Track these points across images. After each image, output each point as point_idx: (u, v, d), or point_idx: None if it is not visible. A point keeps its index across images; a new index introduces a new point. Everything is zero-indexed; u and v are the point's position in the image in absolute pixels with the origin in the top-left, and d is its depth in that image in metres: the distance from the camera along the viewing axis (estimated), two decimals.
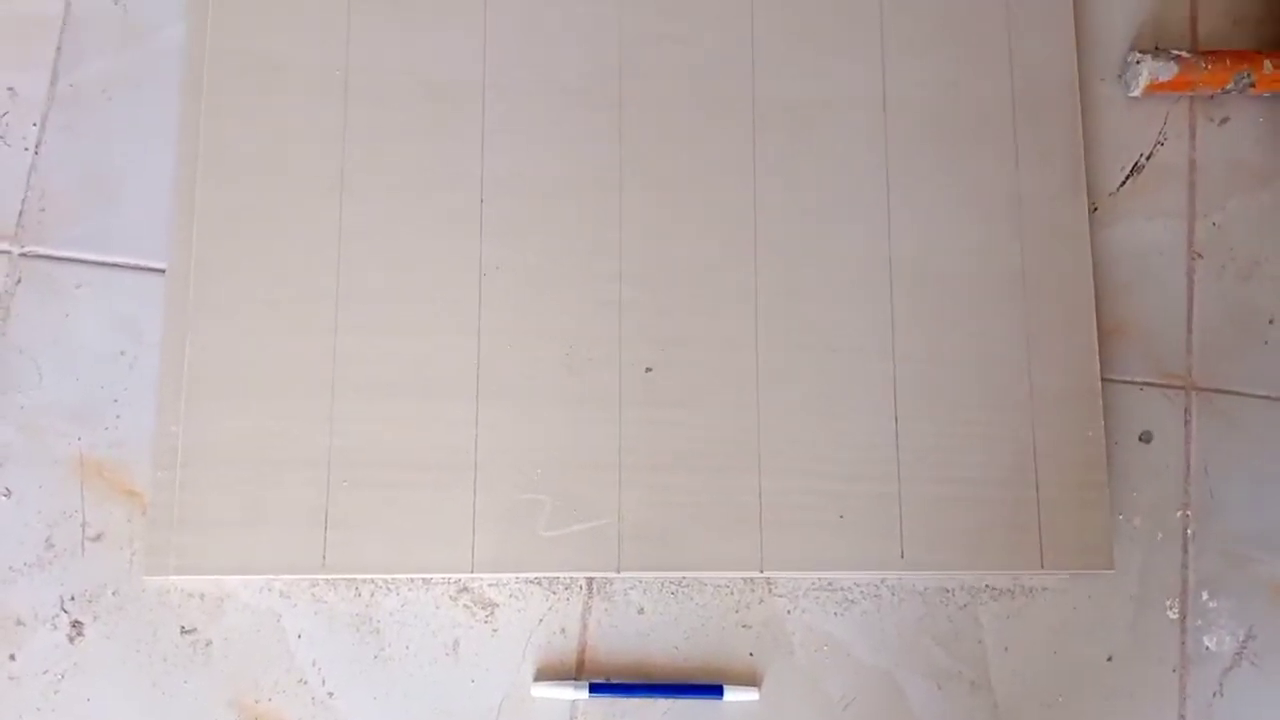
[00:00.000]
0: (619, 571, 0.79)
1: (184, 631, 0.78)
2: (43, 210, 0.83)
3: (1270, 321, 0.89)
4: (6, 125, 0.84)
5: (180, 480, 0.78)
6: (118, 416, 0.81)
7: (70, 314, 0.82)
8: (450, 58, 0.85)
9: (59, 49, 0.86)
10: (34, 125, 0.84)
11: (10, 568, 0.78)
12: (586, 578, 0.81)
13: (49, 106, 0.85)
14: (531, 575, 0.80)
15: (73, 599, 0.78)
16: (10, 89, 0.85)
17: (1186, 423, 0.87)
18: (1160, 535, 0.86)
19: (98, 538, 0.79)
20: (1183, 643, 0.84)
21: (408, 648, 0.80)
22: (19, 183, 0.83)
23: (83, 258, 0.83)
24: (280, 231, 0.81)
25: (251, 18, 0.84)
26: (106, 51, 0.86)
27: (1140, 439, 0.87)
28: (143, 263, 0.83)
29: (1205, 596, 0.85)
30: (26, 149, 0.84)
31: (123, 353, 0.82)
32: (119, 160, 0.84)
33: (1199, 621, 0.85)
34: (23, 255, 0.82)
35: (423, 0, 0.85)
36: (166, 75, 0.85)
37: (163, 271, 0.82)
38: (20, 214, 0.83)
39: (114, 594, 0.78)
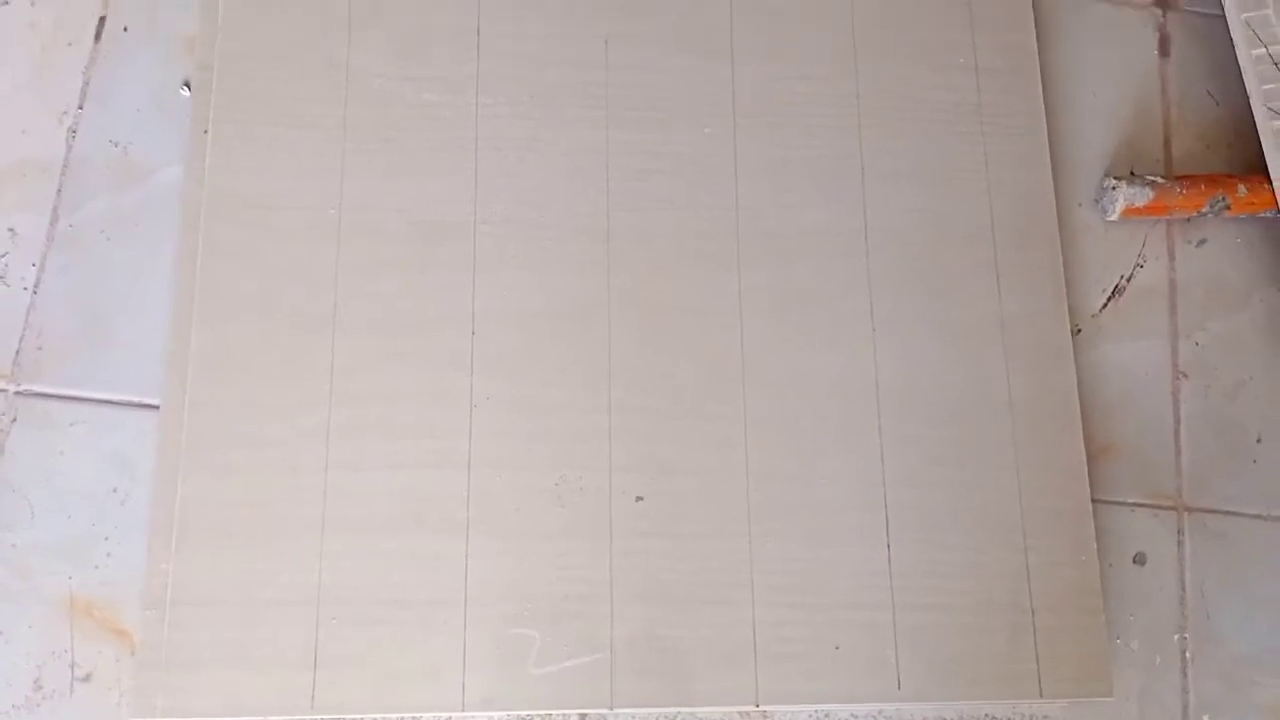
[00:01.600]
0: (612, 708, 0.78)
1: None
2: (40, 349, 0.84)
3: (1258, 440, 0.90)
4: (6, 266, 0.86)
5: (169, 620, 0.77)
6: (108, 555, 0.81)
7: (64, 451, 0.82)
8: (442, 196, 0.87)
9: (59, 191, 0.88)
10: (33, 265, 0.86)
11: None
12: (579, 715, 0.80)
13: (48, 247, 0.86)
14: (524, 713, 0.79)
15: None
16: (11, 230, 0.86)
17: (1180, 543, 0.88)
18: (1159, 659, 0.85)
19: (87, 678, 0.78)
20: None
21: None
22: (17, 322, 0.85)
23: (78, 395, 0.83)
24: (273, 368, 0.82)
25: (247, 160, 0.86)
26: (106, 193, 0.88)
27: (1134, 560, 0.87)
28: (137, 399, 0.84)
29: None
30: (25, 288, 0.85)
31: (115, 489, 0.82)
32: (115, 298, 0.86)
33: None
34: (18, 393, 0.83)
35: (414, 141, 0.87)
36: (163, 216, 0.87)
37: (157, 408, 0.83)
38: (18, 352, 0.84)
39: None
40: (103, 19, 0.92)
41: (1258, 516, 0.89)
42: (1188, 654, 0.85)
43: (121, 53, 0.91)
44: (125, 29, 0.92)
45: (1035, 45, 0.94)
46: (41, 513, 0.81)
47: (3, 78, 0.90)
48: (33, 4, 0.92)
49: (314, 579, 0.78)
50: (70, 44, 0.91)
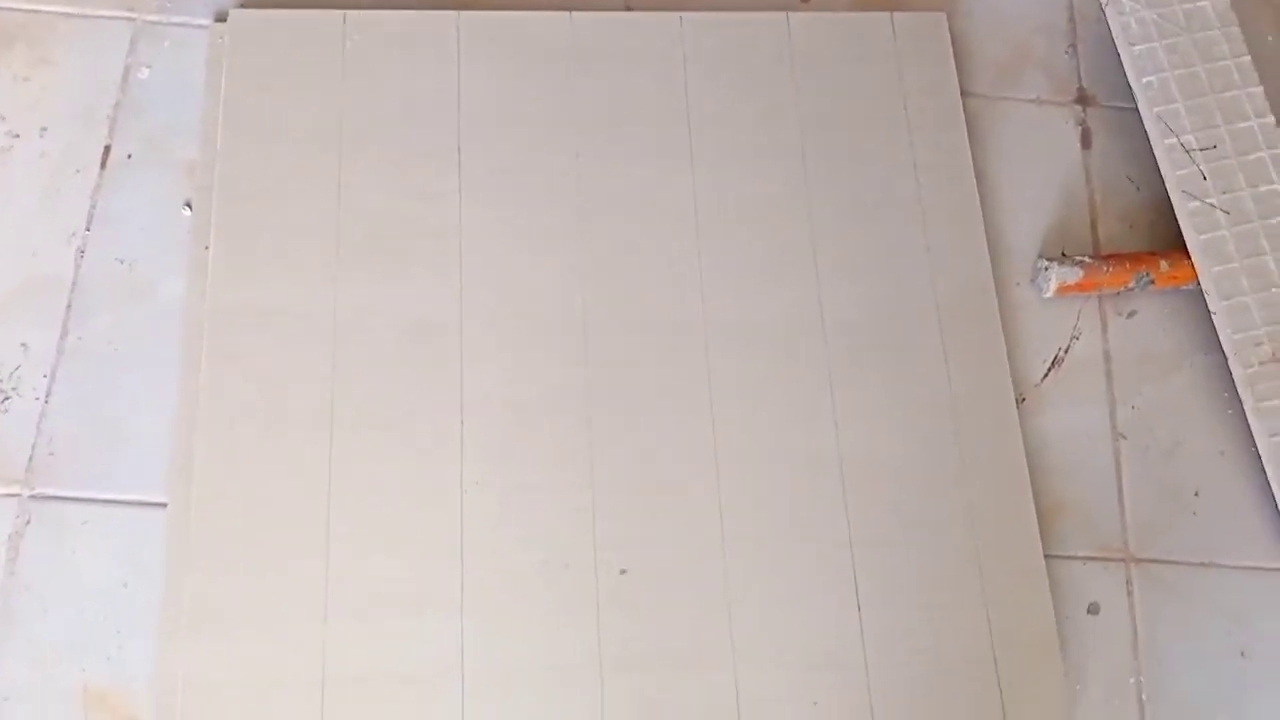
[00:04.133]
0: None
1: None
2: (51, 454, 0.89)
3: (1195, 494, 0.97)
4: (19, 378, 0.91)
5: (181, 706, 0.81)
6: (120, 646, 0.85)
7: (76, 549, 0.87)
8: (430, 298, 0.93)
9: (69, 307, 0.94)
10: (44, 376, 0.91)
11: None
12: None
13: (58, 359, 0.92)
14: None
15: None
16: (23, 344, 0.92)
17: (1130, 593, 0.93)
18: (1117, 702, 0.90)
19: None
20: None
21: None
22: (30, 430, 0.90)
23: (89, 496, 0.88)
24: (275, 465, 0.87)
25: (246, 272, 0.93)
26: (112, 307, 0.94)
27: (1089, 611, 0.93)
28: (145, 499, 0.89)
29: None
30: (37, 398, 0.91)
31: (125, 585, 0.86)
32: (123, 406, 0.91)
33: None
34: (32, 497, 0.88)
35: (402, 249, 0.95)
36: (167, 327, 0.93)
37: (164, 506, 0.88)
38: (30, 459, 0.89)
39: None
40: (108, 147, 0.99)
41: (1200, 564, 0.95)
42: (1144, 697, 0.90)
43: (126, 178, 0.98)
44: (129, 156, 0.99)
45: (967, 143, 1.03)
46: (55, 608, 0.85)
47: (15, 204, 0.96)
48: (41, 136, 0.99)
49: (318, 661, 0.83)
50: (78, 171, 0.98)
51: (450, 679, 0.83)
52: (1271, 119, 0.99)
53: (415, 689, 0.83)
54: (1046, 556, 0.92)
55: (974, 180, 1.02)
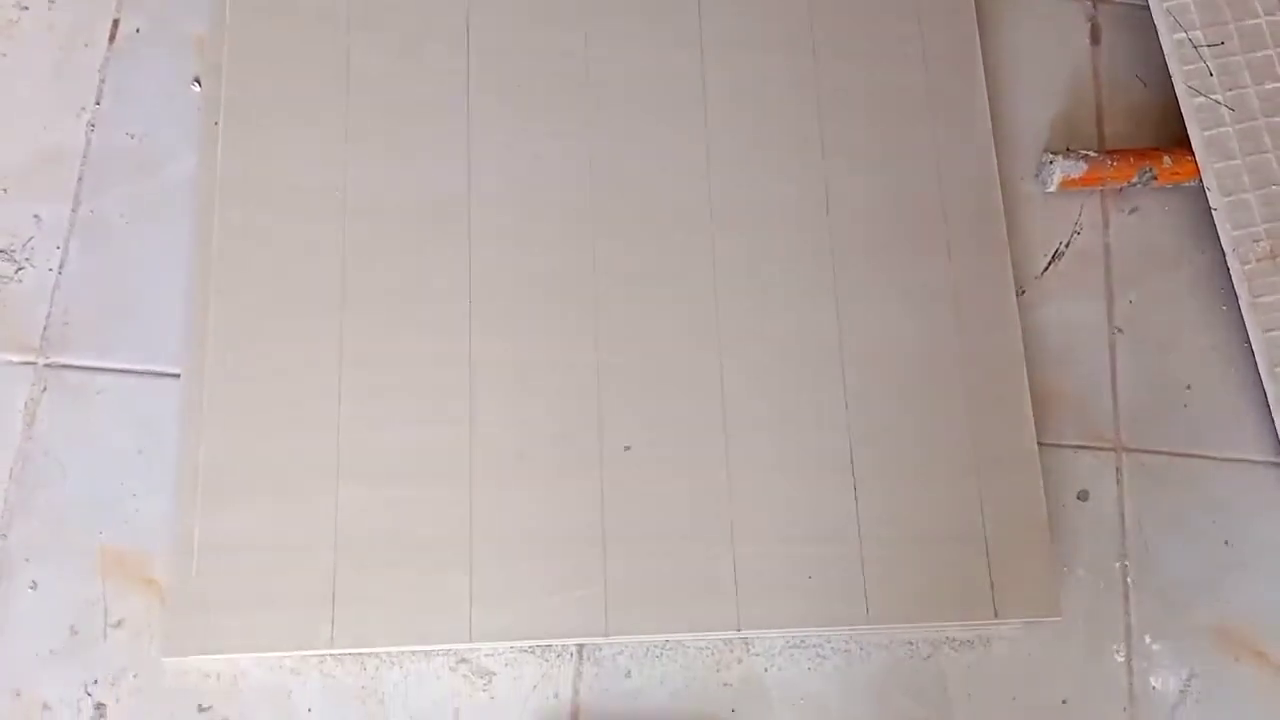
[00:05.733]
0: (607, 636, 0.85)
1: (201, 710, 0.84)
2: (66, 324, 0.91)
3: (1188, 388, 0.99)
4: (33, 249, 0.92)
5: (196, 567, 0.84)
6: (136, 510, 0.87)
7: (91, 416, 0.89)
8: (439, 177, 0.94)
9: (80, 179, 0.94)
10: (57, 248, 0.92)
11: (36, 655, 0.83)
12: (577, 644, 0.87)
13: (71, 231, 0.93)
14: (526, 643, 0.86)
15: (95, 683, 0.83)
16: (36, 216, 0.93)
17: (1119, 481, 0.96)
18: (1103, 584, 0.93)
19: (119, 624, 0.85)
20: (1130, 684, 0.91)
21: (411, 717, 0.85)
22: (44, 300, 0.91)
23: (103, 366, 0.90)
24: (287, 337, 0.89)
25: (256, 148, 0.94)
26: (124, 181, 0.95)
27: (1078, 497, 0.95)
28: (158, 369, 0.90)
29: (1148, 640, 0.93)
30: (50, 269, 0.92)
31: (140, 451, 0.88)
32: (135, 277, 0.92)
33: (1144, 663, 0.92)
34: (47, 365, 0.90)
35: (411, 130, 0.95)
36: (178, 201, 0.94)
37: (177, 376, 0.89)
38: (45, 328, 0.90)
39: (134, 677, 0.84)
40: (116, 21, 0.99)
41: (1189, 455, 0.97)
42: (1129, 580, 0.94)
43: (135, 52, 0.98)
44: (138, 30, 0.99)
45: (977, 36, 1.03)
46: (73, 473, 0.87)
47: (25, 77, 0.97)
48: (50, 8, 0.99)
49: (330, 525, 0.85)
50: (86, 45, 0.98)
51: (458, 546, 0.85)
52: None
53: (424, 555, 0.85)
54: (1040, 444, 0.94)
55: (982, 74, 1.02)
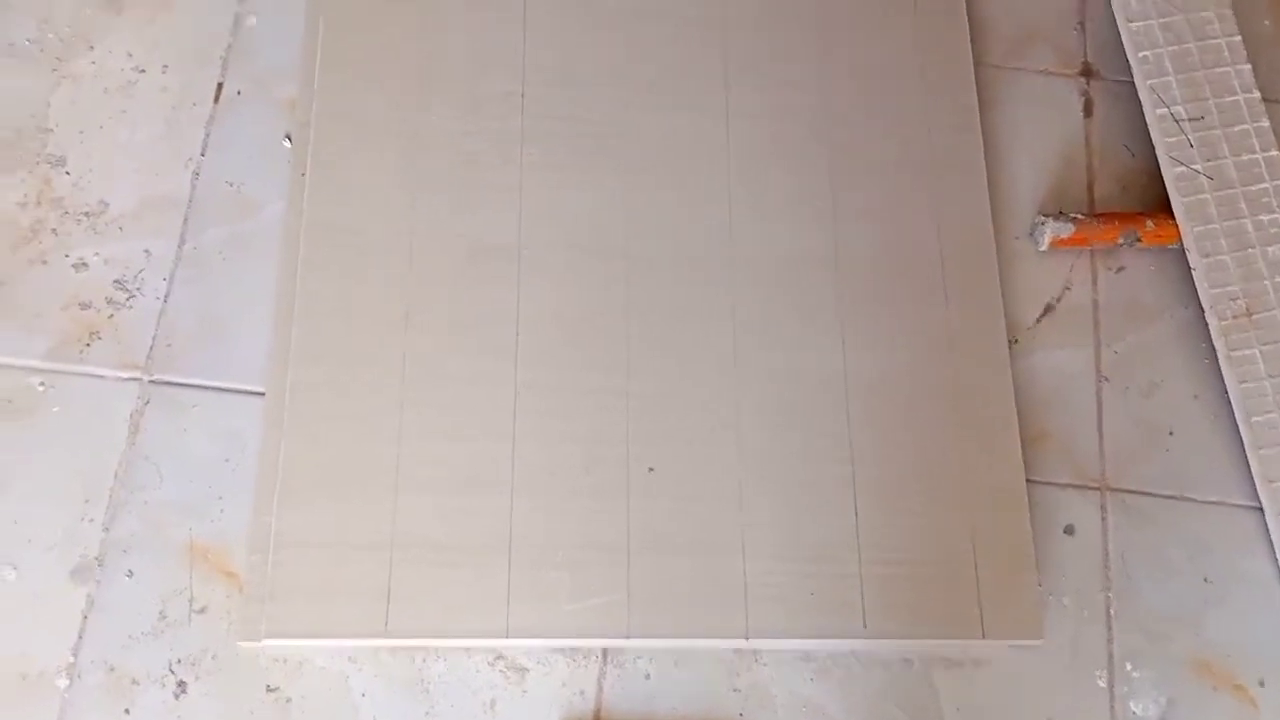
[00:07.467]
0: (629, 638, 0.95)
1: (269, 690, 0.94)
2: (169, 346, 1.03)
3: (1170, 433, 1.07)
4: (143, 280, 1.05)
5: (271, 561, 0.95)
6: (222, 511, 0.99)
7: (187, 428, 1.01)
8: (493, 223, 1.07)
9: (185, 220, 1.08)
10: (164, 280, 1.06)
11: (129, 635, 0.95)
12: (602, 648, 0.97)
13: (176, 265, 1.06)
14: (557, 643, 0.96)
15: (179, 662, 0.95)
16: (146, 251, 1.06)
17: (1104, 518, 1.04)
18: (1086, 613, 1.01)
19: (202, 610, 0.96)
20: (1112, 708, 0.99)
21: (453, 706, 0.95)
22: (150, 324, 1.04)
23: (199, 383, 1.03)
24: (356, 360, 1.01)
25: (337, 195, 1.07)
26: (223, 223, 1.08)
27: (1065, 531, 1.04)
28: (247, 387, 1.03)
29: (1129, 667, 1.00)
30: (157, 299, 1.05)
31: (227, 460, 1.01)
32: (230, 306, 1.05)
33: (1125, 689, 0.99)
34: (151, 382, 1.02)
35: (472, 179, 1.08)
36: (269, 241, 1.07)
37: (262, 394, 1.02)
38: (150, 349, 1.03)
39: (213, 658, 0.95)
40: (220, 84, 1.13)
41: (1170, 497, 1.05)
42: (1112, 610, 1.01)
43: (236, 111, 1.12)
44: (239, 93, 1.13)
45: (977, 108, 1.14)
46: (168, 477, 1.00)
47: (140, 131, 1.11)
48: (163, 72, 1.13)
49: (388, 528, 0.96)
50: (194, 104, 1.12)
51: (499, 549, 0.96)
52: (1257, 94, 1.09)
53: (470, 555, 0.96)
54: (1029, 481, 1.03)
55: (981, 142, 1.13)
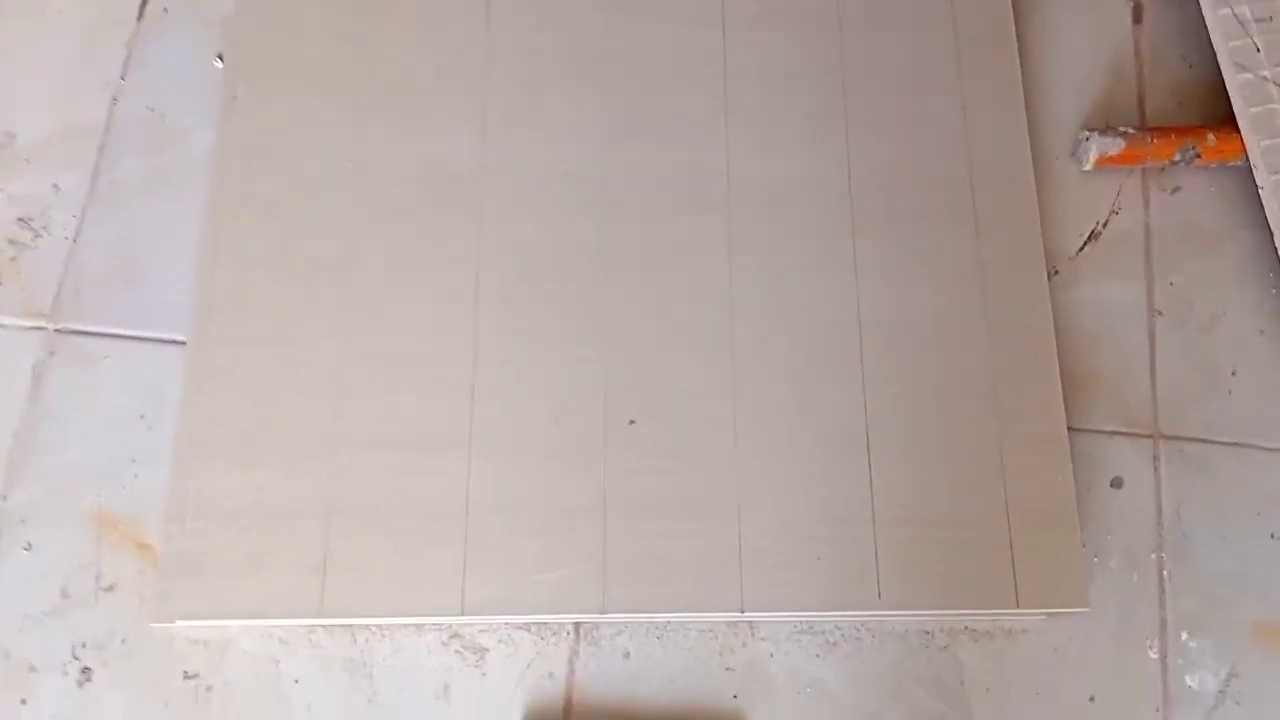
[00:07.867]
0: (603, 613, 0.82)
1: (187, 677, 0.82)
2: (77, 291, 0.91)
3: (1233, 373, 0.93)
4: (49, 217, 0.93)
5: (189, 531, 0.82)
6: (135, 475, 0.87)
7: (97, 382, 0.89)
8: (451, 151, 0.93)
9: (101, 150, 0.95)
10: (74, 217, 0.93)
11: (26, 616, 0.83)
12: (574, 623, 0.84)
13: (88, 200, 0.94)
14: (520, 620, 0.83)
15: (84, 646, 0.82)
16: (55, 185, 0.94)
17: (1156, 469, 0.91)
18: (1136, 576, 0.88)
19: (110, 588, 0.84)
20: (1165, 682, 0.85)
21: (400, 692, 0.83)
22: (58, 267, 0.92)
23: (111, 332, 0.90)
24: (292, 306, 0.88)
25: (273, 120, 0.94)
26: (143, 154, 0.96)
27: (1112, 485, 0.90)
28: (165, 336, 0.90)
29: (1185, 636, 0.86)
30: (66, 238, 0.93)
31: (142, 417, 0.88)
32: (149, 247, 0.93)
33: (1180, 661, 0.86)
34: (57, 331, 0.90)
35: (426, 102, 0.95)
36: (195, 175, 0.94)
37: (183, 344, 0.89)
38: (57, 295, 0.91)
39: (123, 641, 0.83)
40: (145, 1, 1.01)
41: (1233, 444, 0.91)
42: (1165, 572, 0.88)
43: (161, 30, 1.00)
44: (165, 10, 1.00)
45: (1011, 12, 1.00)
46: (75, 437, 0.87)
47: (53, 51, 0.99)
48: None
49: (324, 492, 0.83)
50: (115, 22, 1.00)
51: (454, 515, 0.83)
52: None
53: (419, 522, 0.83)
54: (1072, 429, 0.89)
55: (1016, 50, 0.99)
